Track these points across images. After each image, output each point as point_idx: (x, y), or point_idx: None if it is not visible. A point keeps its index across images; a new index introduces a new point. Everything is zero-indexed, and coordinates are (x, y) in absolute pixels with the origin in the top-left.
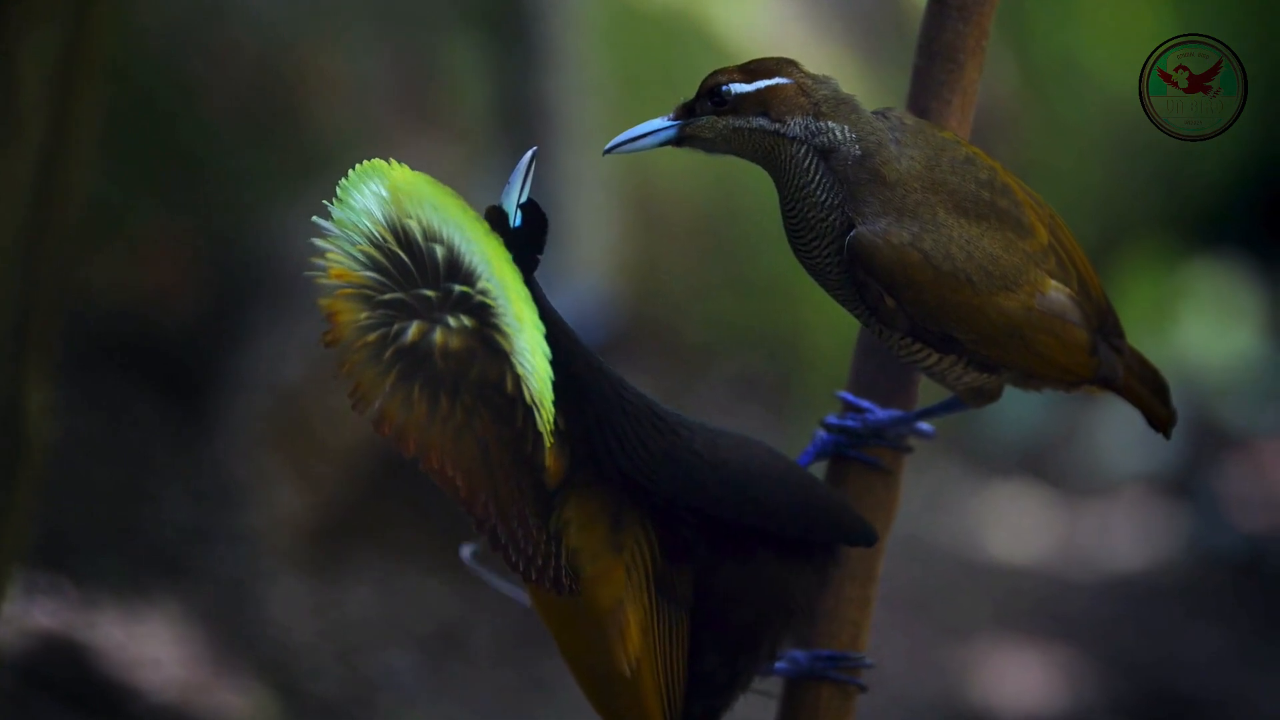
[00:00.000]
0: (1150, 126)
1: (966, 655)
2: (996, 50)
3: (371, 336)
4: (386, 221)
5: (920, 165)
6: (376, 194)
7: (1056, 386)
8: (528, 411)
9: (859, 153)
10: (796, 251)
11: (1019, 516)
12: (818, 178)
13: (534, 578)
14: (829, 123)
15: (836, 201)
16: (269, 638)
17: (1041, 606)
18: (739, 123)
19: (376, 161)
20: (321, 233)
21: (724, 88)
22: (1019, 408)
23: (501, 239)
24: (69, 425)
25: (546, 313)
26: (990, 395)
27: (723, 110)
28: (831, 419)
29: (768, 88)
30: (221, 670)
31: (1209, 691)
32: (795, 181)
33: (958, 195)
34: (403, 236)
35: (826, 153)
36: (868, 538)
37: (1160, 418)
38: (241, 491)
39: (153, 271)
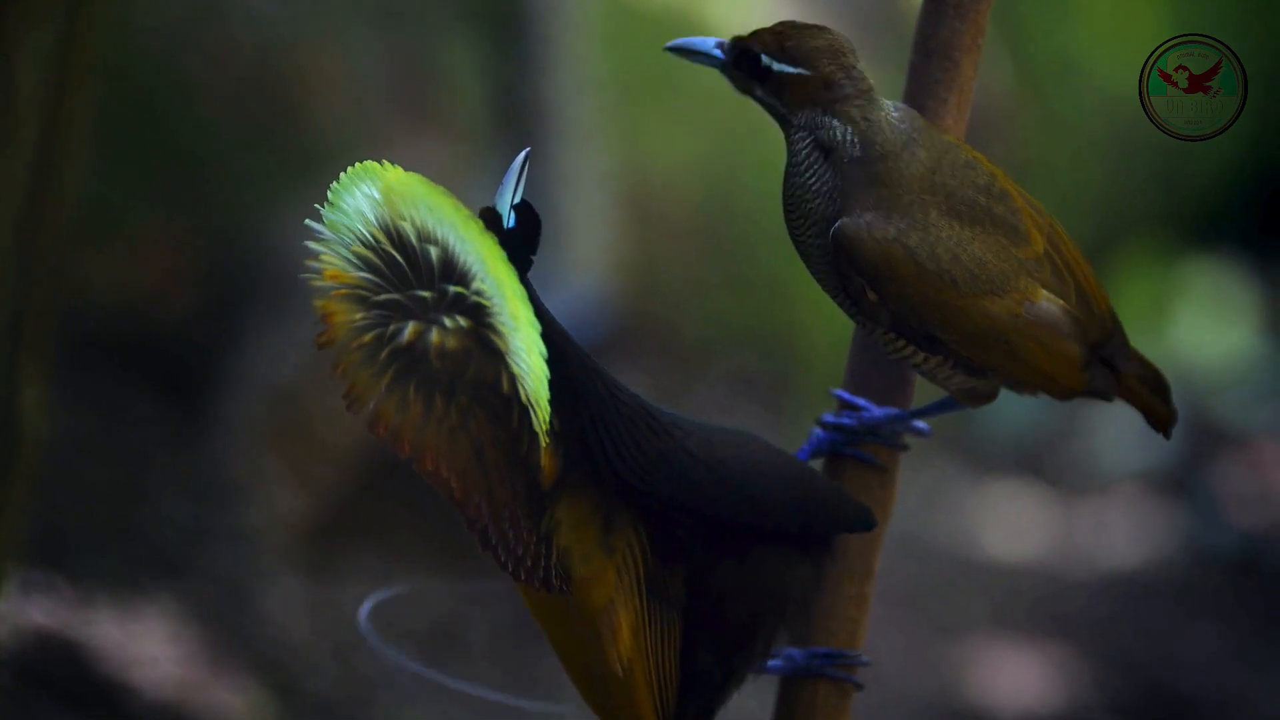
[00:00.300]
0: (1147, 124)
1: (963, 653)
2: (993, 48)
3: (367, 337)
4: (380, 223)
5: (923, 169)
6: (369, 196)
7: (1047, 394)
8: (523, 411)
9: (858, 154)
10: (788, 228)
11: (1016, 514)
12: (815, 167)
13: (523, 578)
14: (835, 120)
15: (827, 190)
16: (266, 636)
17: (1038, 605)
18: (757, 91)
19: (369, 163)
20: (315, 236)
21: (755, 53)
22: (1015, 406)
23: (496, 239)
24: (65, 423)
25: (540, 313)
26: (985, 396)
27: (749, 70)
28: (828, 417)
29: (788, 75)
30: (218, 669)
31: (1206, 690)
32: (794, 161)
33: (954, 198)
34: (397, 237)
35: (826, 148)
36: (867, 523)
37: (1161, 417)
38: (239, 490)
39: (150, 270)
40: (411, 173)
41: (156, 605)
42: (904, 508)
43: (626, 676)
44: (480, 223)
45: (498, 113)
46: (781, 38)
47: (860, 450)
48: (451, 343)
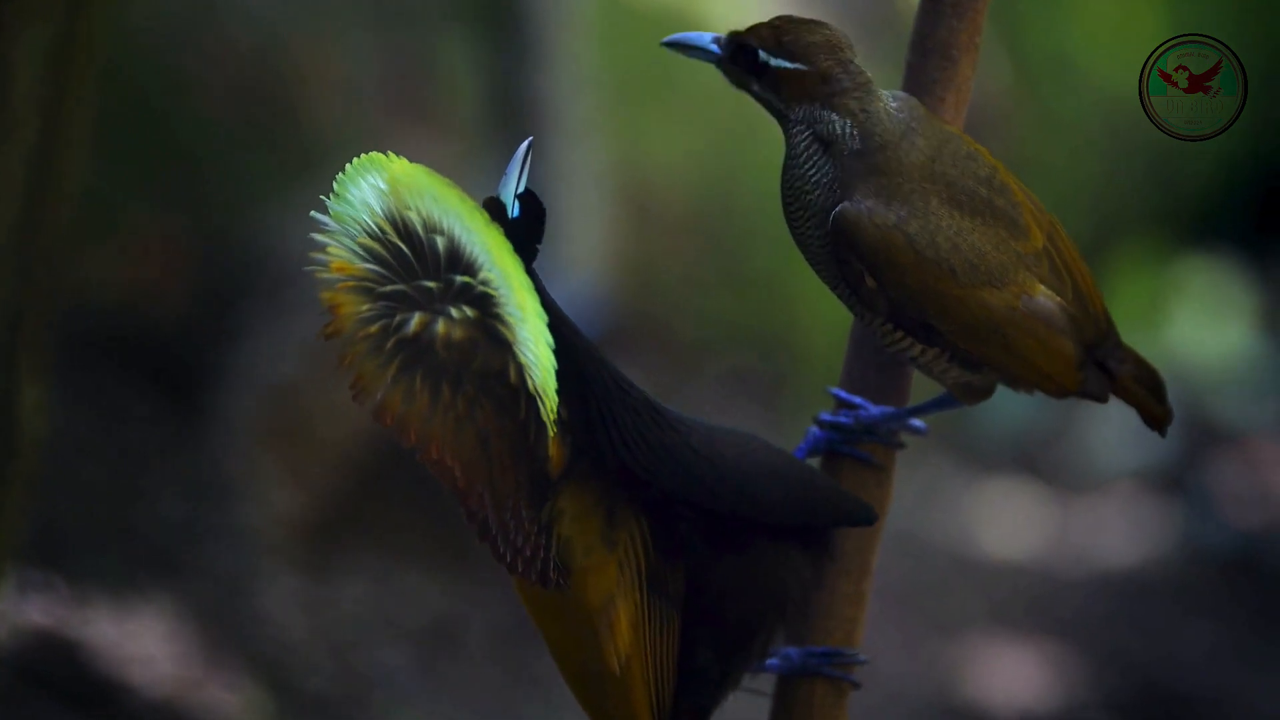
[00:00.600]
0: (1144, 123)
1: (959, 651)
2: (990, 46)
3: (373, 328)
4: (386, 214)
5: (923, 158)
6: (375, 187)
7: (1043, 391)
8: (531, 401)
9: (858, 147)
10: (787, 220)
11: (1012, 513)
12: (814, 159)
13: (520, 570)
14: (834, 114)
15: (827, 181)
16: (263, 634)
17: (1034, 603)
18: (753, 86)
19: (375, 154)
20: (320, 227)
21: (752, 48)
22: (1012, 404)
23: (501, 230)
24: (62, 422)
25: (546, 303)
26: (982, 392)
27: (745, 65)
28: (825, 415)
29: (784, 70)
30: (215, 667)
31: (1202, 688)
32: (792, 154)
33: (954, 188)
34: (403, 228)
35: (825, 141)
36: (868, 517)
37: (1156, 416)
38: (235, 488)
39: (148, 268)
40: (417, 164)
41: (153, 604)
42: (901, 506)
43: (624, 673)
44: (486, 213)
45: (495, 110)
46: (778, 33)
47: (857, 449)
48: (458, 333)
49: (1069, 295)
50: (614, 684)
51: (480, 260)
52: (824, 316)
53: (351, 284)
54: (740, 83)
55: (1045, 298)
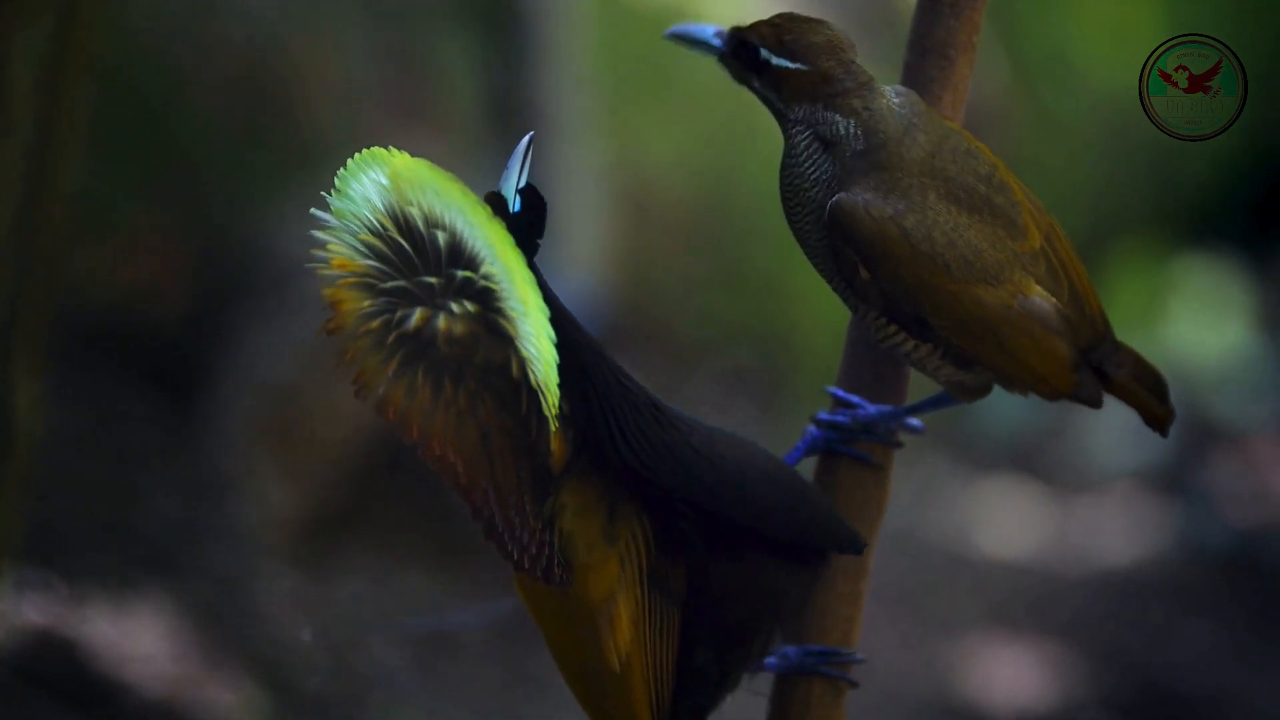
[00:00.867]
0: (1142, 122)
1: (957, 651)
2: (988, 46)
3: (374, 324)
4: (387, 209)
5: (923, 153)
6: (376, 182)
7: (1036, 393)
8: (533, 396)
9: (861, 147)
10: (786, 215)
11: (1010, 512)
12: (814, 158)
13: (527, 567)
14: (836, 115)
15: (826, 179)
16: (260, 633)
17: (1033, 602)
18: (753, 83)
19: (376, 149)
20: (322, 224)
21: (753, 45)
22: (1009, 404)
23: (503, 224)
24: (59, 420)
25: (549, 298)
26: (978, 390)
27: (746, 61)
28: (822, 415)
29: (785, 70)
30: (212, 666)
31: (1200, 687)
32: (792, 152)
33: (953, 184)
34: (404, 224)
35: (827, 141)
36: (856, 546)
37: (1158, 416)
38: (232, 487)
39: (145, 267)
40: (419, 158)
41: (151, 603)
42: (898, 505)
43: (624, 671)
44: (488, 208)
45: (491, 109)
46: (780, 31)
47: (855, 447)
48: (459, 328)
49: (1065, 297)
50: (613, 681)
51: (482, 255)
52: (822, 315)
53: (353, 280)
54: (741, 78)
55: (1041, 298)
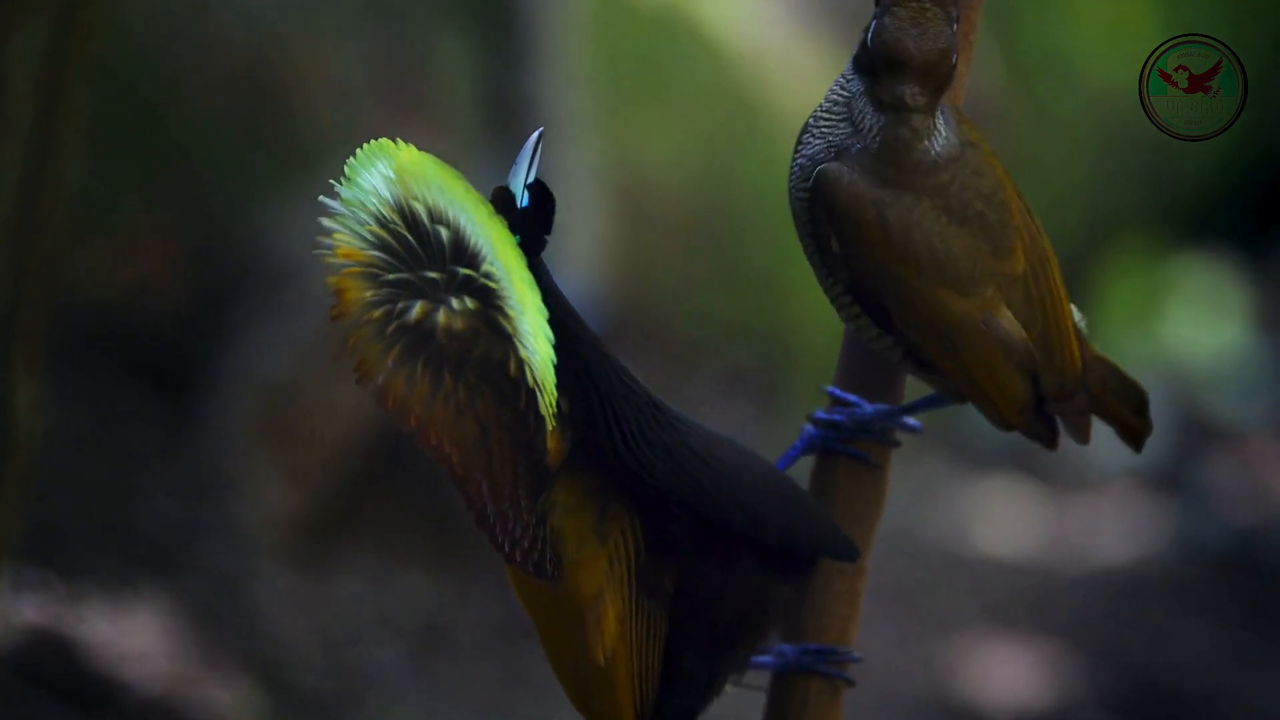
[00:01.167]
0: (1138, 121)
1: (954, 650)
2: (984, 45)
3: (376, 313)
4: (394, 202)
5: (934, 178)
6: (384, 174)
7: (985, 416)
8: (530, 395)
9: (874, 149)
10: (794, 149)
11: (1007, 511)
12: (836, 121)
13: (518, 560)
14: (870, 107)
15: (834, 144)
16: (257, 632)
17: (1030, 601)
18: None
19: (384, 141)
20: (330, 212)
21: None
22: None
23: (507, 221)
24: (57, 420)
25: (553, 294)
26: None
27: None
28: (819, 414)
29: (867, 34)
30: (209, 664)
31: (1198, 686)
32: (828, 98)
33: (948, 195)
34: (409, 217)
35: (854, 120)
36: (850, 554)
37: (1133, 430)
38: (231, 486)
39: (143, 266)
40: (424, 153)
41: (149, 602)
42: (895, 504)
43: (609, 667)
44: (490, 206)
45: (488, 108)
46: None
47: (852, 447)
48: (458, 323)
49: (1036, 334)
50: (599, 677)
51: (483, 253)
52: (819, 315)
53: (357, 270)
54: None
55: (1009, 324)
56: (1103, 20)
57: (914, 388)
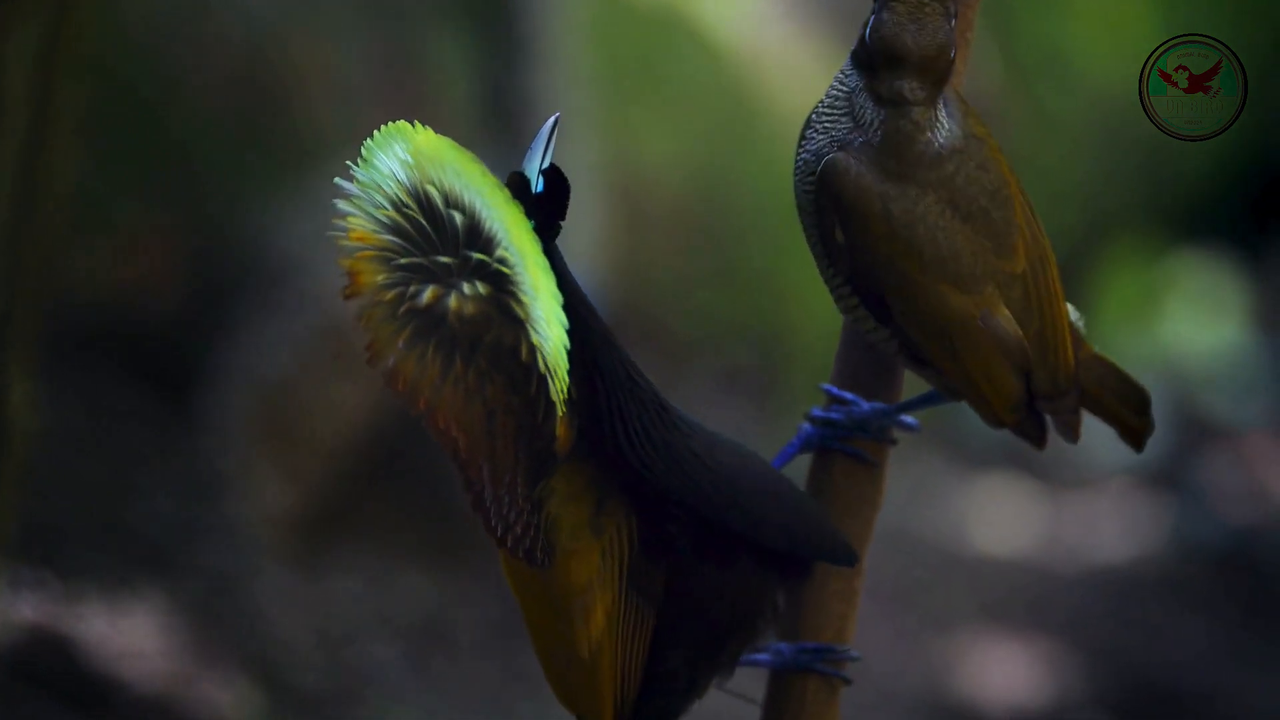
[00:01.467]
0: (1136, 119)
1: (952, 648)
2: (982, 43)
3: (389, 295)
4: (409, 185)
5: (939, 170)
6: (400, 157)
7: (977, 413)
8: (541, 380)
9: (877, 142)
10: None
11: (1004, 509)
12: (838, 116)
13: (510, 545)
14: (870, 101)
15: (837, 138)
16: (255, 631)
17: (1027, 599)
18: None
19: (401, 123)
20: (344, 194)
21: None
22: None
23: (523, 206)
24: (54, 418)
25: (565, 282)
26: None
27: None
28: (816, 412)
29: (865, 29)
30: (206, 663)
31: (1194, 684)
32: (829, 93)
33: (955, 191)
34: (424, 201)
35: (854, 114)
36: (849, 559)
37: (1134, 430)
38: (227, 485)
39: (140, 265)
40: (442, 136)
41: (146, 600)
42: (892, 503)
43: (593, 660)
44: (506, 191)
45: (488, 107)
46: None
47: (849, 445)
48: (470, 308)
49: (1031, 334)
50: (582, 669)
51: (498, 238)
52: (817, 313)
53: (371, 253)
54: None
55: (1006, 323)
56: (1101, 19)
57: (911, 386)
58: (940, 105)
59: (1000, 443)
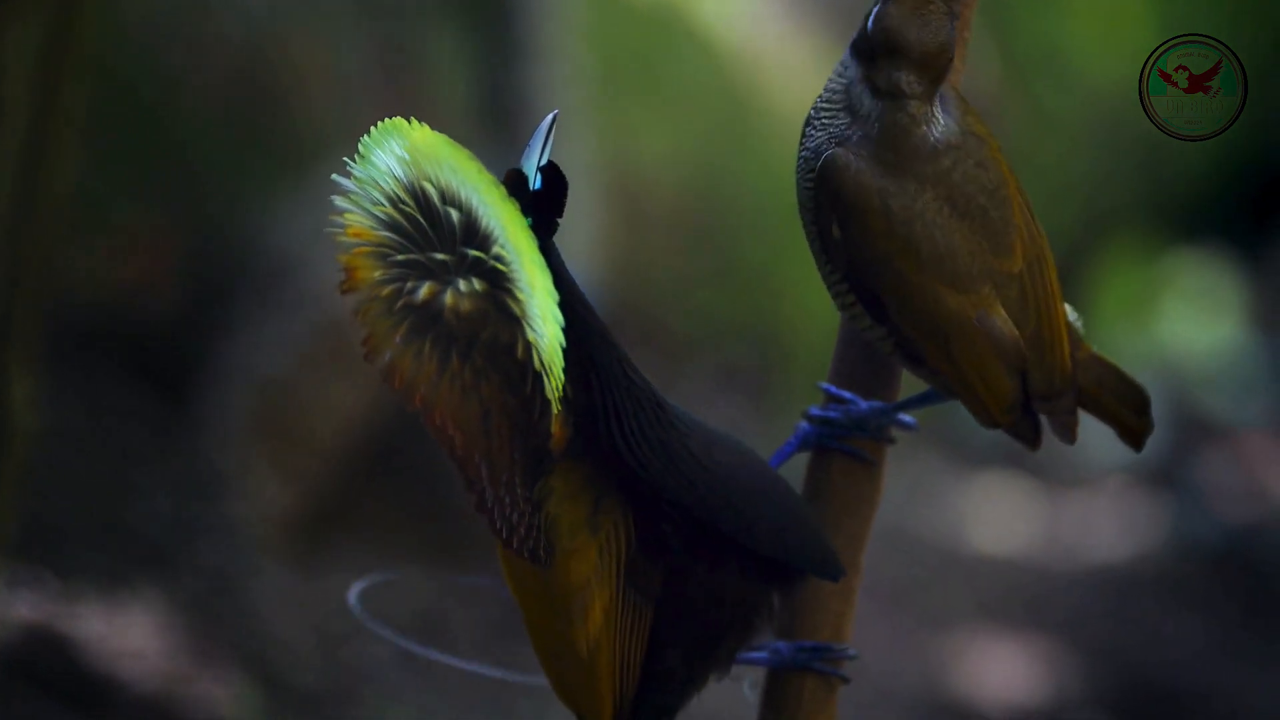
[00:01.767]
0: (1134, 118)
1: (949, 646)
2: (980, 42)
3: (385, 290)
4: (405, 182)
5: (937, 165)
6: (397, 153)
7: (971, 413)
8: (537, 378)
9: (875, 136)
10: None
11: (1002, 508)
12: (836, 111)
13: (515, 546)
14: (868, 92)
15: (836, 134)
16: (253, 630)
17: (1025, 598)
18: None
19: (398, 120)
20: (341, 190)
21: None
22: None
23: (520, 203)
24: (52, 417)
25: (562, 280)
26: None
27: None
28: (814, 410)
29: (867, 22)
30: (205, 662)
31: (1192, 683)
32: (827, 88)
33: (954, 189)
34: (421, 199)
35: (852, 108)
36: (835, 573)
37: (1133, 429)
38: (224, 483)
39: (138, 264)
40: (438, 133)
41: (144, 599)
42: (890, 501)
43: (591, 658)
44: (503, 189)
45: (483, 106)
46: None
47: (847, 444)
48: (465, 305)
49: (1028, 333)
50: (580, 667)
51: (494, 235)
52: (814, 312)
53: (367, 250)
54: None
55: (1003, 323)
56: (1099, 17)
57: (909, 385)
58: (936, 102)
59: (998, 442)
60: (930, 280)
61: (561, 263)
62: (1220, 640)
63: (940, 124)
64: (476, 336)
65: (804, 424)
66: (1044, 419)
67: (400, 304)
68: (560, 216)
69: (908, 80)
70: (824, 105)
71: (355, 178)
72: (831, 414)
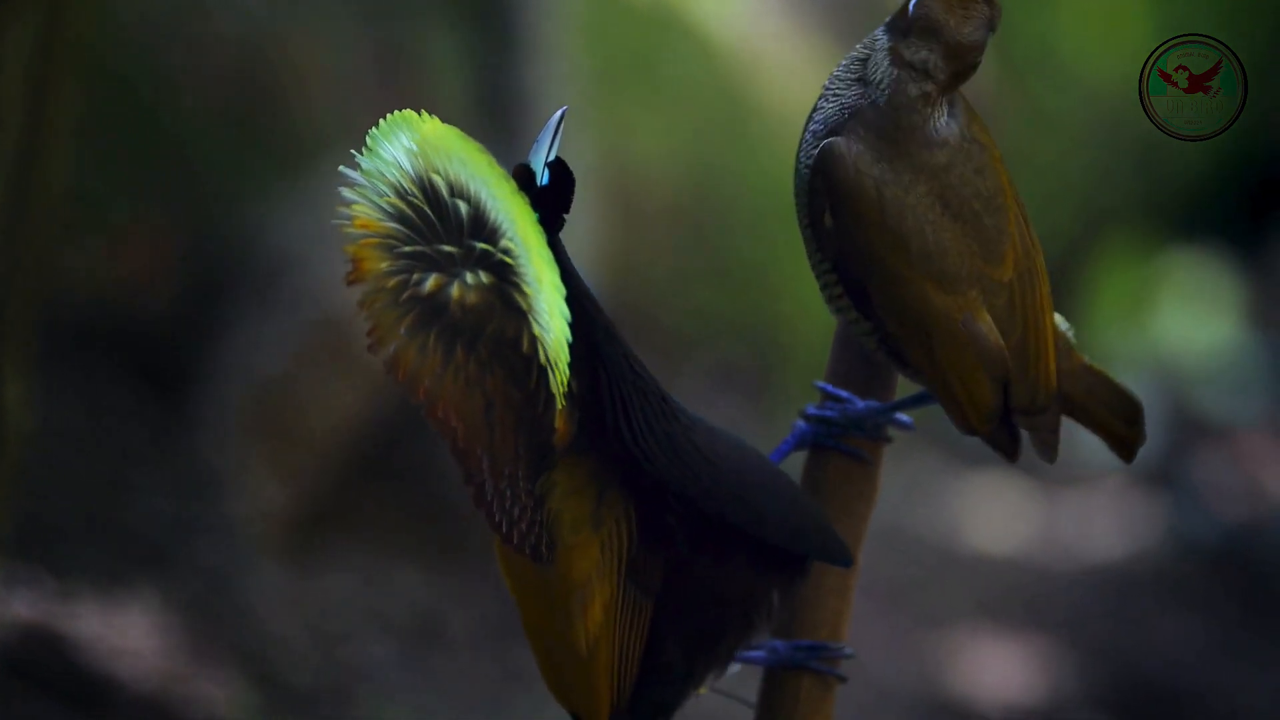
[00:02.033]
0: (1131, 117)
1: (946, 645)
2: None
3: (391, 282)
4: (414, 173)
5: (935, 161)
6: (406, 145)
7: (950, 418)
8: (541, 372)
9: (882, 103)
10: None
11: (999, 507)
12: (850, 81)
13: (515, 541)
14: (887, 60)
15: (845, 108)
16: (249, 629)
17: (1022, 597)
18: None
19: (408, 112)
20: (349, 181)
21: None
22: None
23: (527, 197)
24: (48, 416)
25: (569, 275)
26: None
27: None
28: (810, 409)
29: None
30: (202, 661)
31: (1190, 682)
32: (846, 59)
33: (947, 189)
34: (429, 190)
35: (866, 78)
36: (844, 559)
37: (1123, 440)
38: (221, 482)
39: (132, 262)
40: (448, 125)
41: (141, 598)
42: (887, 500)
43: (590, 656)
44: (512, 182)
45: (480, 103)
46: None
47: (844, 443)
48: (472, 297)
49: (1013, 343)
50: (578, 664)
51: (502, 228)
52: (810, 310)
53: (374, 241)
54: None
55: (988, 330)
56: (1096, 17)
57: (906, 384)
58: (950, 102)
59: None
60: (918, 276)
61: (568, 258)
62: (1218, 640)
63: (945, 120)
64: (482, 329)
65: (801, 423)
66: (1026, 433)
67: (406, 295)
68: (567, 212)
69: (934, 62)
70: (839, 75)
71: (363, 169)
72: (828, 413)
